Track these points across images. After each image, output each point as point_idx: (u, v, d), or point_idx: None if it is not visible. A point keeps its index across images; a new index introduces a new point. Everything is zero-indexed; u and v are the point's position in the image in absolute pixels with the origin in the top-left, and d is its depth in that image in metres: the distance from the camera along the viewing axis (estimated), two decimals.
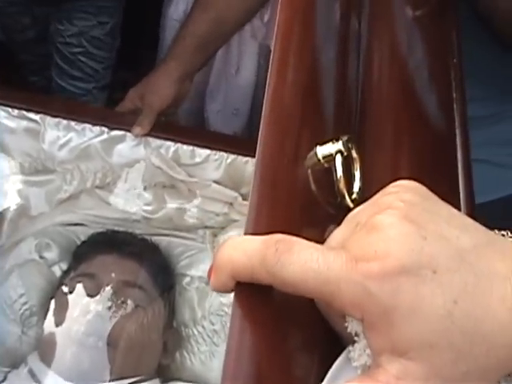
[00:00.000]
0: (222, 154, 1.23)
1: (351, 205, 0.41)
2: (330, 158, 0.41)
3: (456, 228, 0.32)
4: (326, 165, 0.41)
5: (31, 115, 1.23)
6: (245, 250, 0.34)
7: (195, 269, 1.20)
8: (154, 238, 1.22)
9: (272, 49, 0.50)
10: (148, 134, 1.22)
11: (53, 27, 1.53)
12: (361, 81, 0.55)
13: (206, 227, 1.24)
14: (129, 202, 1.25)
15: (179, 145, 1.23)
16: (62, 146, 1.23)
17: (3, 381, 1.04)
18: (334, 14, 0.58)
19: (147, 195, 1.25)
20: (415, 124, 0.54)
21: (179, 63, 1.19)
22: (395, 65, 0.59)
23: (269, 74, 0.48)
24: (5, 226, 1.19)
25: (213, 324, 1.15)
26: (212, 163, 1.23)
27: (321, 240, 0.36)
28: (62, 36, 1.52)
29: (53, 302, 1.08)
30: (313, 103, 0.49)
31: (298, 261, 0.32)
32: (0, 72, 1.39)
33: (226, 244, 0.35)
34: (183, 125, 1.45)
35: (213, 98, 1.49)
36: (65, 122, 1.22)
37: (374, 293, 0.31)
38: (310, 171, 0.42)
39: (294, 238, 0.33)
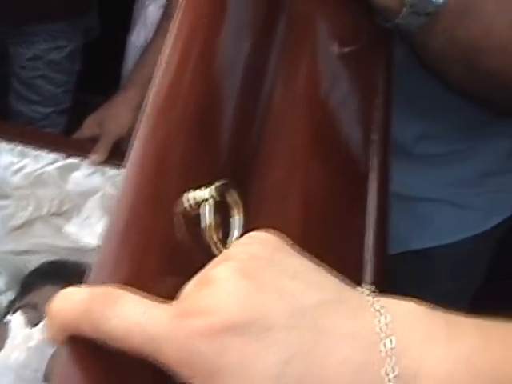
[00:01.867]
0: None
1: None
2: (201, 204, 0.38)
3: (303, 283, 0.30)
4: (197, 211, 0.38)
5: None
6: (72, 301, 0.31)
7: None
8: None
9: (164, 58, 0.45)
10: (105, 162, 1.19)
11: (10, 51, 1.51)
12: (262, 113, 0.51)
13: None
14: (85, 232, 1.22)
15: None
16: (16, 172, 1.20)
17: None
18: (243, 39, 0.53)
19: (103, 224, 1.21)
20: (322, 169, 0.50)
21: (139, 91, 1.17)
22: (311, 100, 0.55)
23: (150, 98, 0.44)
24: None
25: None
26: None
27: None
28: (19, 59, 1.51)
29: None
30: (202, 144, 0.45)
31: (123, 315, 0.30)
32: None
33: (59, 294, 0.32)
34: None
35: None
36: (19, 147, 1.20)
37: (201, 351, 0.28)
38: (180, 217, 0.39)
39: (122, 291, 0.31)
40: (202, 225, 0.38)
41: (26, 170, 1.20)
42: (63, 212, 1.23)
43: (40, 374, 0.98)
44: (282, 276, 0.30)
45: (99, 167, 1.20)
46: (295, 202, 0.47)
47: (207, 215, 0.38)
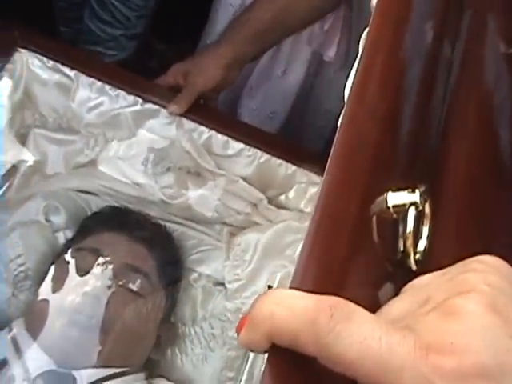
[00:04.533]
0: (256, 151, 1.16)
1: (414, 267, 0.36)
2: (402, 209, 0.36)
3: None
4: (394, 215, 0.36)
5: (66, 70, 1.15)
6: (291, 307, 0.28)
7: (205, 266, 1.13)
8: (168, 225, 1.15)
9: (358, 59, 0.45)
10: (183, 115, 1.15)
11: None
12: (444, 116, 0.49)
13: (225, 224, 1.17)
14: (149, 181, 1.18)
15: (213, 132, 1.16)
16: (91, 109, 1.16)
17: None
18: (426, 33, 0.53)
19: (169, 178, 1.18)
20: (490, 184, 0.47)
21: (232, 49, 1.12)
22: (480, 105, 0.53)
23: (349, 93, 0.43)
24: (16, 180, 1.12)
25: (212, 327, 1.09)
26: (244, 158, 1.16)
27: (374, 299, 0.33)
28: None
29: (52, 267, 1.01)
30: (390, 138, 0.44)
31: (358, 335, 0.27)
32: (34, 20, 1.32)
33: (268, 296, 0.29)
34: (222, 113, 1.37)
35: (251, 95, 1.42)
36: (99, 83, 1.15)
37: None
38: (374, 218, 0.37)
39: (353, 305, 0.28)
40: (403, 231, 0.36)
41: (102, 109, 1.16)
42: (130, 157, 1.19)
43: (93, 321, 0.96)
44: None
45: (176, 118, 1.15)
46: (475, 225, 0.43)
47: (411, 221, 0.36)
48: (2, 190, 1.10)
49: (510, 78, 0.58)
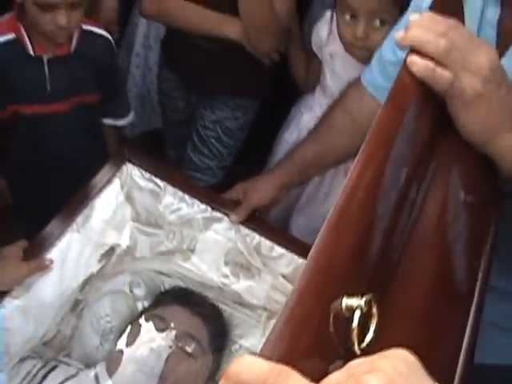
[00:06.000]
0: (294, 256, 1.49)
1: (358, 352, 0.47)
2: (351, 310, 0.47)
3: None
4: (346, 314, 0.47)
5: (157, 180, 1.54)
6: (252, 370, 0.38)
7: (245, 340, 1.44)
8: (221, 306, 1.48)
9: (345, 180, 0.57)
10: (241, 223, 1.49)
11: (197, 112, 1.88)
12: (403, 240, 0.64)
13: (265, 309, 1.49)
14: (211, 271, 1.52)
15: (262, 238, 1.49)
16: (173, 211, 1.53)
17: (75, 375, 1.31)
18: (401, 174, 0.66)
19: (226, 270, 1.52)
20: (439, 295, 0.62)
21: (283, 176, 1.46)
22: (436, 235, 0.69)
23: (332, 208, 0.56)
24: (113, 258, 1.49)
25: None
26: (285, 260, 1.49)
27: (325, 370, 0.42)
28: (202, 119, 1.88)
29: (129, 327, 1.34)
30: (360, 255, 0.56)
31: None
32: (146, 144, 1.72)
33: (242, 358, 0.39)
34: (270, 224, 1.71)
35: (300, 213, 1.77)
36: (180, 193, 1.52)
37: None
38: (332, 316, 0.48)
39: (293, 372, 0.38)
40: (351, 326, 0.47)
41: (181, 212, 1.53)
42: (198, 251, 1.54)
43: (155, 371, 1.27)
44: None
45: (235, 225, 1.50)
46: (417, 321, 0.60)
47: (356, 320, 0.47)
48: (102, 264, 1.48)
49: (465, 218, 0.75)
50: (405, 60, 0.73)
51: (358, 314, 0.47)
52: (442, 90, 0.72)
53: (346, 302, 0.47)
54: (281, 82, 1.83)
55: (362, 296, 0.47)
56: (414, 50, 0.72)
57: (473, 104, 0.72)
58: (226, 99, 1.85)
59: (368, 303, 0.48)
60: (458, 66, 0.71)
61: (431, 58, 0.72)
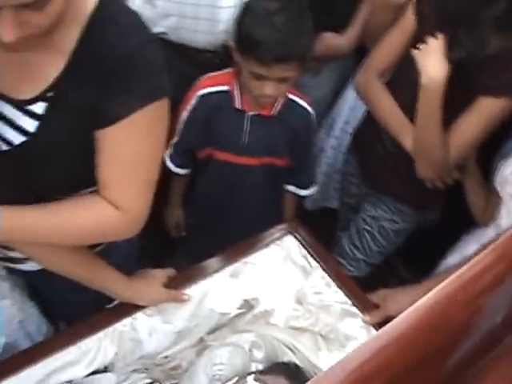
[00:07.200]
0: None
1: None
2: None
3: None
4: None
5: (311, 260, 1.64)
6: None
7: None
8: None
9: None
10: (372, 324, 1.53)
11: (361, 205, 1.96)
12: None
13: None
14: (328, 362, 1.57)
15: None
16: (316, 293, 1.61)
17: None
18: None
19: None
20: None
21: (422, 290, 1.48)
22: None
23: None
24: (249, 315, 1.61)
25: None
26: None
27: None
28: (365, 212, 1.94)
29: (236, 378, 1.44)
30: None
31: None
32: (323, 218, 1.83)
33: None
34: None
35: None
36: (328, 278, 1.61)
37: None
38: None
39: None
40: None
41: (322, 296, 1.60)
42: (326, 338, 1.58)
43: None
44: None
45: (369, 325, 1.54)
46: None
47: None
48: (235, 314, 1.59)
49: None
50: None
51: None
52: None
53: None
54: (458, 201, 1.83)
55: None
56: None
57: None
58: (388, 201, 1.90)
59: None
60: None
61: None
